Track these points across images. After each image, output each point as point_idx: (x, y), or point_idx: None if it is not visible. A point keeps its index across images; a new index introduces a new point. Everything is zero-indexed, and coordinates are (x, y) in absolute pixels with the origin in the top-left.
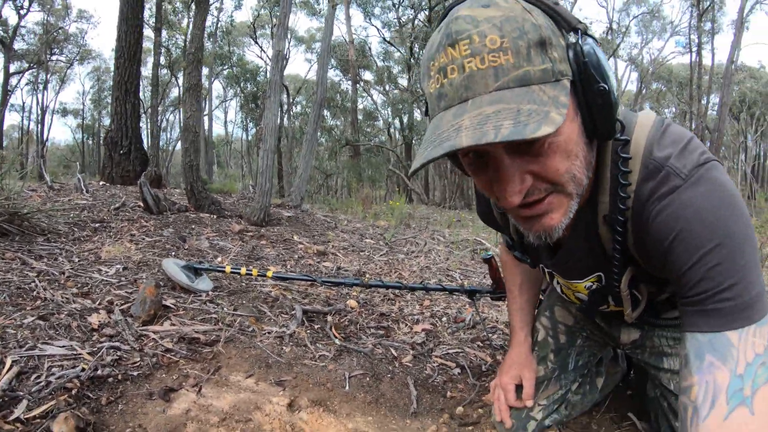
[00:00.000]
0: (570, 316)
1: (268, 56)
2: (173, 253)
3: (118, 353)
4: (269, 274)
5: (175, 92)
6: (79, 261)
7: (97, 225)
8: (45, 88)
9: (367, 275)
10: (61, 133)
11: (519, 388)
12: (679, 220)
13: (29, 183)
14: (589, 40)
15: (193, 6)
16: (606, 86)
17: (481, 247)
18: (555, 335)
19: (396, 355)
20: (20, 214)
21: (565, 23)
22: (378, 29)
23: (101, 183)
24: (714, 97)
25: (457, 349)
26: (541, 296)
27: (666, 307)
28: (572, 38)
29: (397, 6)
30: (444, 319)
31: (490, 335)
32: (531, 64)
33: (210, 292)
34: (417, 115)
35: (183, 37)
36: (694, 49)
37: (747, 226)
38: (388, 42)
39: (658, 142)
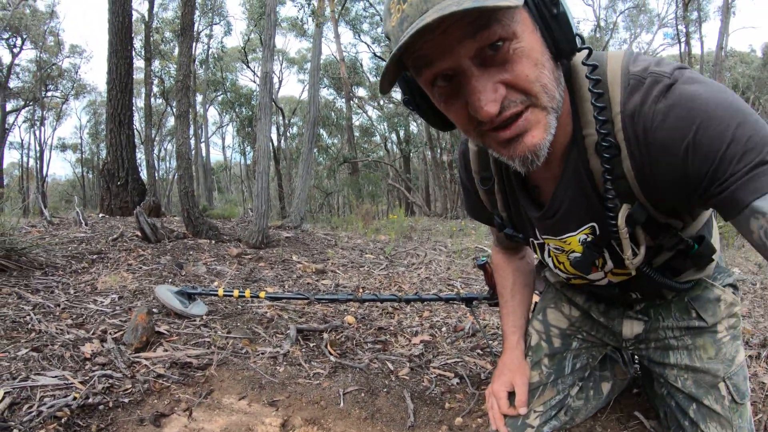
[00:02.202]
0: (563, 318)
1: None
2: (170, 280)
3: (110, 381)
4: (262, 294)
5: (171, 121)
6: (75, 293)
7: (94, 256)
8: (42, 124)
9: (366, 290)
10: (62, 168)
11: (513, 395)
12: (694, 112)
13: (29, 219)
14: None
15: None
16: (558, 9)
17: (482, 254)
18: (548, 339)
19: (392, 368)
20: (17, 250)
21: None
22: (368, 45)
23: (100, 215)
24: None
25: (456, 359)
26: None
27: (667, 274)
28: None
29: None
30: (443, 329)
31: (490, 342)
32: None
33: (204, 317)
34: (413, 127)
35: (175, 66)
36: (683, 39)
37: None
38: (379, 57)
39: (632, 62)
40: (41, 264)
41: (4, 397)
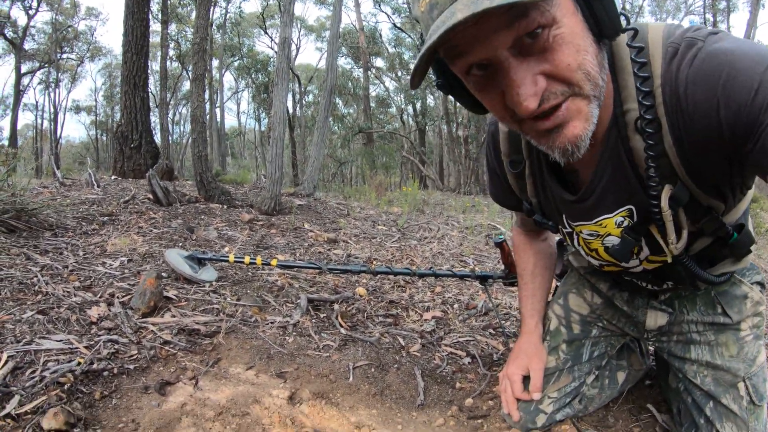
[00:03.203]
0: (585, 305)
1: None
2: (180, 244)
3: (116, 346)
4: (273, 262)
5: (187, 85)
6: (84, 255)
7: (105, 219)
8: (57, 86)
9: (377, 262)
10: (76, 130)
11: (528, 379)
12: (721, 65)
13: (41, 180)
14: None
15: None
16: None
17: (496, 232)
18: (568, 325)
19: (404, 344)
20: (27, 210)
21: None
22: (388, 15)
23: (113, 177)
24: None
25: (468, 337)
26: (556, 282)
27: (704, 264)
28: None
29: None
30: (455, 306)
31: (502, 322)
32: None
33: (214, 282)
34: (430, 100)
35: (192, 30)
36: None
37: None
38: (399, 28)
39: (672, 31)
40: (51, 225)
41: (7, 361)
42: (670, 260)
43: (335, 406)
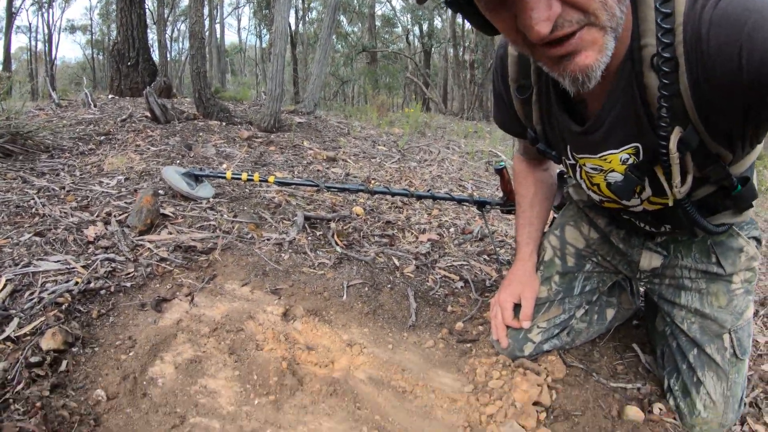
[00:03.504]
0: (581, 238)
1: None
2: (178, 162)
3: (113, 265)
4: (271, 179)
5: (185, 1)
6: (80, 175)
7: (102, 138)
8: (50, 6)
9: (376, 182)
10: (72, 51)
11: (519, 307)
12: (747, 12)
13: (37, 102)
14: None
15: None
16: None
17: (497, 159)
18: (563, 257)
19: (398, 264)
20: (23, 133)
21: None
22: None
23: (110, 96)
24: None
25: (462, 262)
26: (554, 214)
27: (704, 212)
28: None
29: None
30: (452, 230)
31: (497, 249)
32: None
33: (210, 199)
34: (437, 22)
35: None
36: None
37: None
38: None
39: None
40: (47, 147)
41: (5, 285)
42: (671, 203)
43: (328, 323)
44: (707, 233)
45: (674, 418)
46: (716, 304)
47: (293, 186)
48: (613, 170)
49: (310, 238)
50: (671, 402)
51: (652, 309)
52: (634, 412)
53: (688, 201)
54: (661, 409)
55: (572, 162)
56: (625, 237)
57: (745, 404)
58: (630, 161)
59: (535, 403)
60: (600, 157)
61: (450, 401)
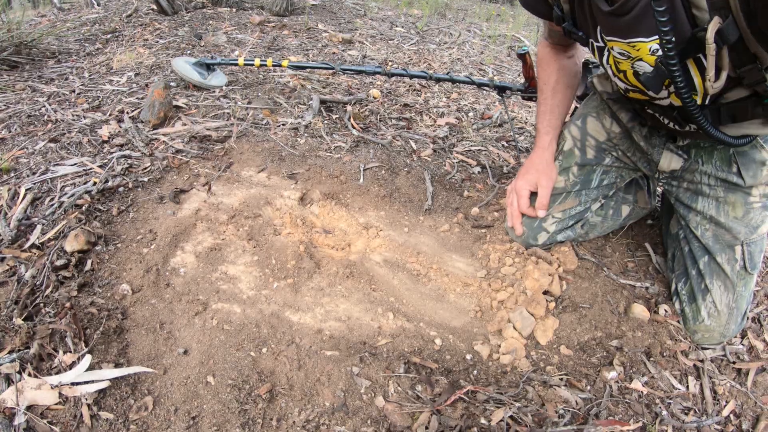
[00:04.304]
0: (603, 131)
1: None
2: (188, 52)
3: (129, 161)
4: (284, 63)
5: None
6: (90, 76)
7: (108, 36)
8: None
9: (393, 64)
10: None
11: (535, 195)
12: None
13: (38, 10)
14: None
15: None
16: None
17: (520, 44)
18: (582, 148)
19: (415, 148)
20: (27, 43)
21: None
22: None
23: None
24: None
25: (480, 147)
26: (576, 104)
27: (727, 119)
28: None
29: None
30: (470, 114)
31: (516, 136)
32: None
33: (223, 87)
34: None
35: None
36: None
37: None
38: None
39: None
40: (54, 52)
41: (25, 195)
42: (700, 101)
43: (345, 206)
44: (730, 146)
45: (678, 322)
46: (732, 214)
47: (308, 69)
48: (641, 59)
49: (326, 121)
50: (677, 305)
51: (668, 211)
52: (640, 310)
53: (717, 102)
54: (666, 311)
55: (600, 44)
56: (647, 135)
57: (747, 318)
58: (660, 53)
59: (545, 292)
60: (629, 42)
61: (463, 285)
